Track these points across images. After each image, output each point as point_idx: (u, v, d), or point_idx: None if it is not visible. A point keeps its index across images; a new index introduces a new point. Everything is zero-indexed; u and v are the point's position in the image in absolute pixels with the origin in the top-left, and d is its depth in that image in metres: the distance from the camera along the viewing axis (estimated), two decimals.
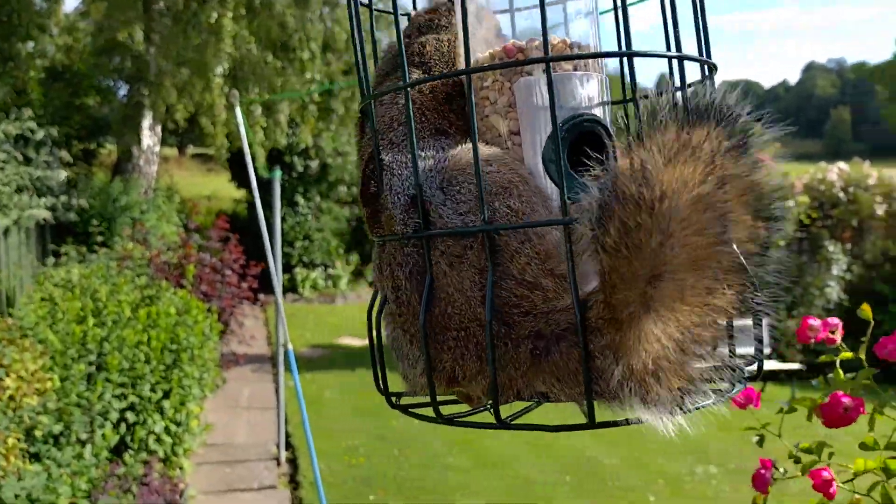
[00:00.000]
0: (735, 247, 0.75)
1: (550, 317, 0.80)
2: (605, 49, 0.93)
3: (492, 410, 0.83)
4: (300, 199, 17.14)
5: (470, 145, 0.85)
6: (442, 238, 0.82)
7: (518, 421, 0.89)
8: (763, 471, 1.25)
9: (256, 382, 9.58)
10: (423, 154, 0.87)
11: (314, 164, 17.13)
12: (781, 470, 1.27)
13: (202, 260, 9.17)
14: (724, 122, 0.74)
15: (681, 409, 0.78)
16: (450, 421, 0.86)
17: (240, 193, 18.81)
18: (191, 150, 36.50)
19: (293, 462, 6.80)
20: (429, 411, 0.89)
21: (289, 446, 7.09)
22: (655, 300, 0.74)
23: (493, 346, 0.79)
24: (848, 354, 1.24)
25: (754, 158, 0.75)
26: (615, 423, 0.79)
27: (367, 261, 17.93)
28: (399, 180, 0.86)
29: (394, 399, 0.95)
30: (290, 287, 16.34)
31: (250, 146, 5.35)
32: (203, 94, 12.57)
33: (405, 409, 0.95)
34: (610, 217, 0.72)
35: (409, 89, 0.85)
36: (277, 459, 6.81)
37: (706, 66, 0.88)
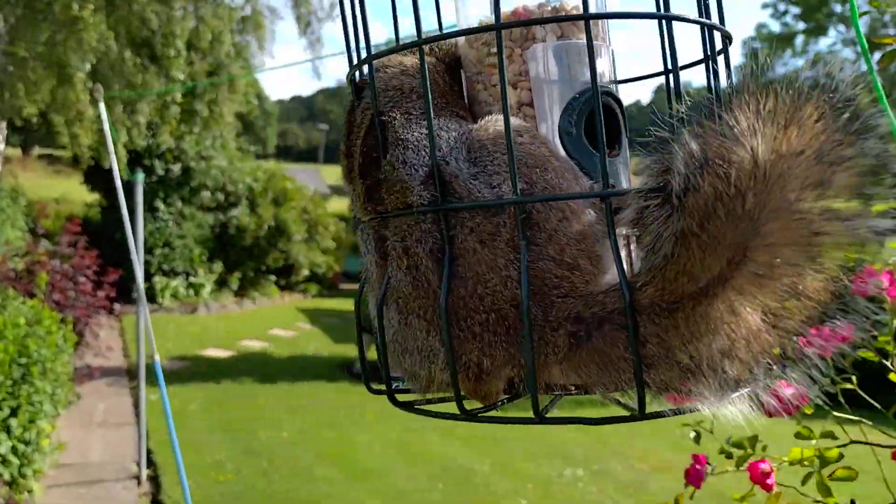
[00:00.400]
0: (836, 235, 0.68)
1: (591, 299, 0.74)
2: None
3: (493, 409, 0.79)
4: (160, 205, 16.40)
5: (494, 117, 0.80)
6: (471, 214, 0.76)
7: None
8: (697, 466, 1.28)
9: (113, 397, 9.06)
10: (446, 127, 0.81)
11: (176, 167, 16.45)
12: (712, 465, 1.30)
13: (53, 267, 8.59)
14: (839, 100, 0.69)
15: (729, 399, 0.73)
16: (474, 417, 0.79)
17: (93, 197, 17.75)
18: (36, 150, 34.19)
19: (155, 480, 6.46)
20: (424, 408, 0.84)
21: (150, 464, 6.72)
22: (739, 276, 0.68)
23: (530, 328, 0.72)
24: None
25: (867, 141, 0.68)
26: (663, 414, 0.74)
27: (232, 269, 17.36)
28: (415, 153, 0.80)
29: (390, 396, 0.88)
30: (149, 296, 15.54)
31: (114, 145, 5.05)
32: (57, 91, 11.74)
33: (409, 407, 0.87)
34: (703, 180, 0.66)
35: (428, 70, 0.79)
36: (138, 478, 6.44)
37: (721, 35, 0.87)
